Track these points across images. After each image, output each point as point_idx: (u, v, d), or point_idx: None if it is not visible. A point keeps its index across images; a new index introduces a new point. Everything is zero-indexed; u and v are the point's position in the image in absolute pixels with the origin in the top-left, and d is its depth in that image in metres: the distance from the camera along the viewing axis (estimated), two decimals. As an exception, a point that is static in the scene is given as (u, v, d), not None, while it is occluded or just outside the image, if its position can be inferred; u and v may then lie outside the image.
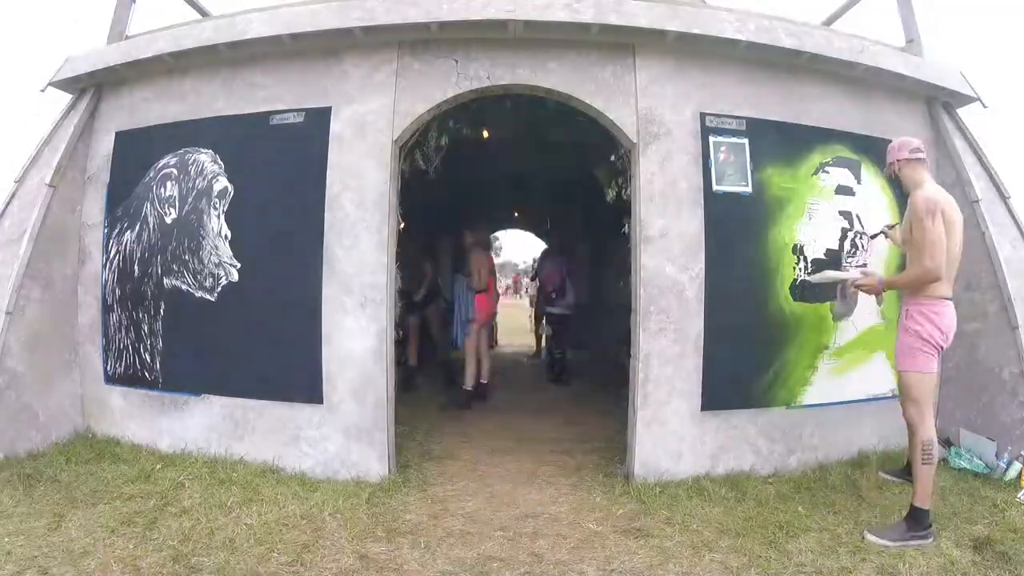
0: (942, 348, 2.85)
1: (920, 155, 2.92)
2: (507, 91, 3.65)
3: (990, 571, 2.44)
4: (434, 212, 8.35)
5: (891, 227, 3.40)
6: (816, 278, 3.39)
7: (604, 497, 3.25)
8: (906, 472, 3.18)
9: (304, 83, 3.63)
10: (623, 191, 4.11)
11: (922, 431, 2.75)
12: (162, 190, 3.82)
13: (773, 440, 3.59)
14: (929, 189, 2.84)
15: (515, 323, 13.14)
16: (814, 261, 3.62)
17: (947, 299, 2.83)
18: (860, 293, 3.72)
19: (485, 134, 5.60)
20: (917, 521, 2.68)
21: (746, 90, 3.65)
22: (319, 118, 3.55)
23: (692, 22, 3.41)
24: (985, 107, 4.12)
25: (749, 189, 3.57)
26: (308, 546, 2.60)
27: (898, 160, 2.96)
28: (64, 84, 4.09)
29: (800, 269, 3.61)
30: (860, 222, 3.79)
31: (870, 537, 2.70)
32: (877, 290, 3.09)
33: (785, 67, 3.69)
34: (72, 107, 4.09)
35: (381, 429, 3.45)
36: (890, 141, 3.86)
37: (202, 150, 3.75)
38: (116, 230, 3.93)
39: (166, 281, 3.78)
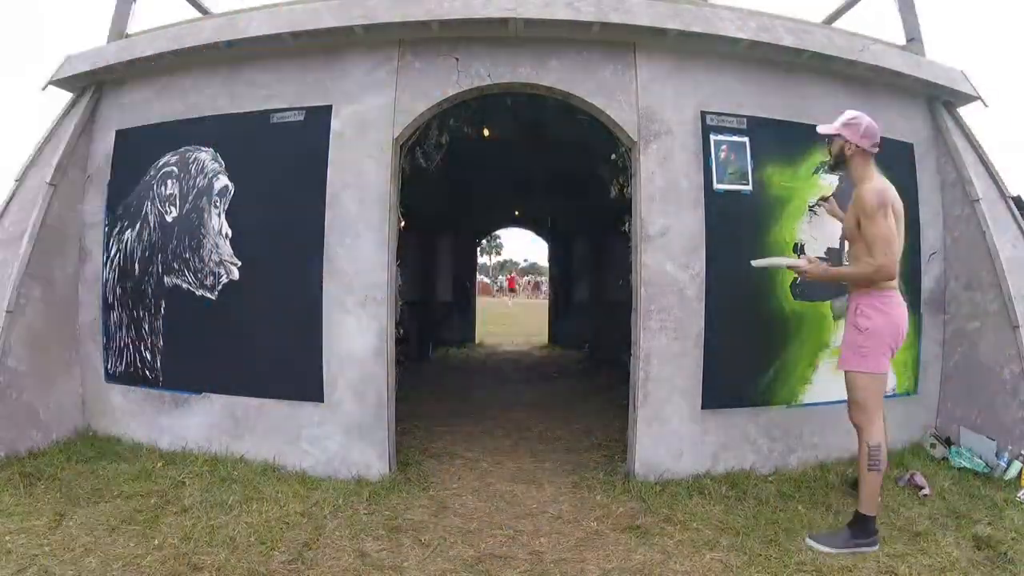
0: (896, 344, 2.74)
1: (877, 150, 2.77)
2: (508, 89, 3.65)
3: (990, 570, 2.43)
4: (435, 211, 8.36)
5: (826, 199, 3.34)
6: (758, 263, 3.19)
7: (604, 495, 3.25)
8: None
9: (304, 81, 3.63)
10: (624, 189, 4.11)
11: (869, 436, 2.65)
12: (163, 188, 3.82)
13: (773, 439, 3.59)
14: (878, 182, 2.70)
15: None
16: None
17: (896, 290, 2.73)
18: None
19: (486, 132, 5.60)
20: (862, 528, 2.61)
21: (747, 88, 3.64)
22: (320, 116, 3.55)
23: (693, 20, 3.41)
24: (987, 106, 4.12)
25: (750, 188, 3.56)
26: (309, 544, 2.61)
27: (856, 145, 2.74)
28: (65, 83, 4.09)
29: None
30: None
31: (811, 542, 2.63)
32: (819, 279, 2.96)
33: (786, 66, 3.69)
34: (72, 106, 4.09)
35: (382, 428, 3.45)
36: (892, 139, 3.89)
37: (203, 148, 3.75)
38: (117, 229, 3.93)
39: (167, 279, 3.78)
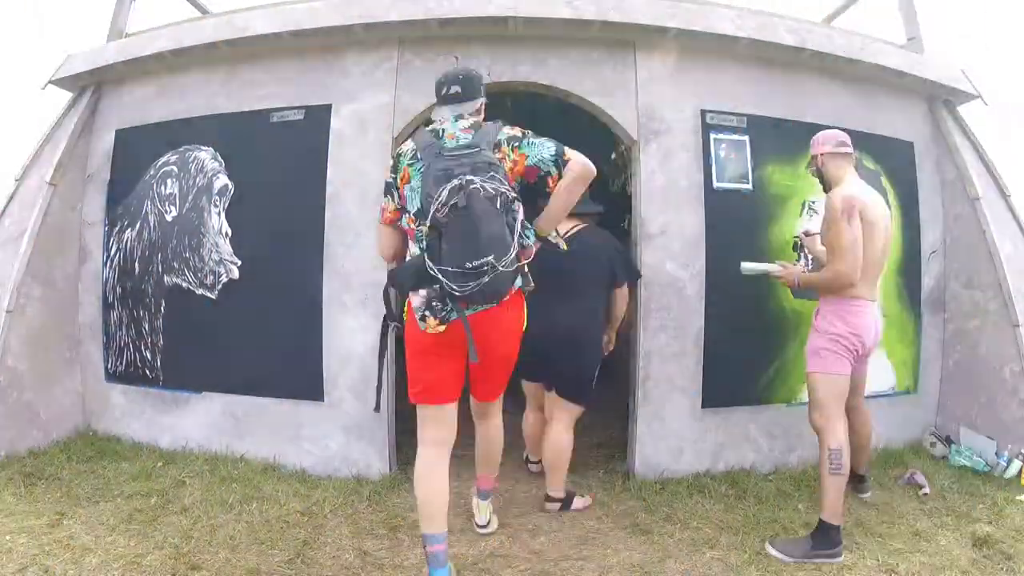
0: (857, 351, 2.67)
1: (845, 149, 2.73)
2: (508, 88, 3.64)
3: (990, 569, 2.44)
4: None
5: (808, 234, 3.24)
6: (745, 268, 3.09)
7: (604, 494, 3.25)
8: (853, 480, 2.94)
9: (304, 80, 3.63)
10: (624, 188, 4.11)
11: (829, 438, 2.57)
12: (162, 188, 3.82)
13: (774, 437, 3.59)
14: (848, 187, 2.64)
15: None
16: (815, 259, 3.62)
17: (864, 299, 2.66)
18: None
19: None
20: (825, 538, 2.51)
21: (747, 87, 3.64)
22: (320, 115, 3.55)
23: (693, 19, 3.40)
24: (987, 104, 4.11)
25: (750, 186, 3.56)
26: (309, 543, 2.61)
27: (821, 154, 2.77)
28: (64, 82, 4.08)
29: (800, 266, 3.60)
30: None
31: (770, 550, 2.55)
32: (792, 285, 2.93)
33: (786, 64, 3.68)
34: (72, 105, 4.08)
35: (382, 427, 3.45)
36: (892, 138, 3.90)
37: (202, 148, 3.75)
38: (116, 228, 3.93)
39: (167, 279, 3.78)
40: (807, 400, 3.56)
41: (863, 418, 3.01)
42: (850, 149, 2.75)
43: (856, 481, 3.03)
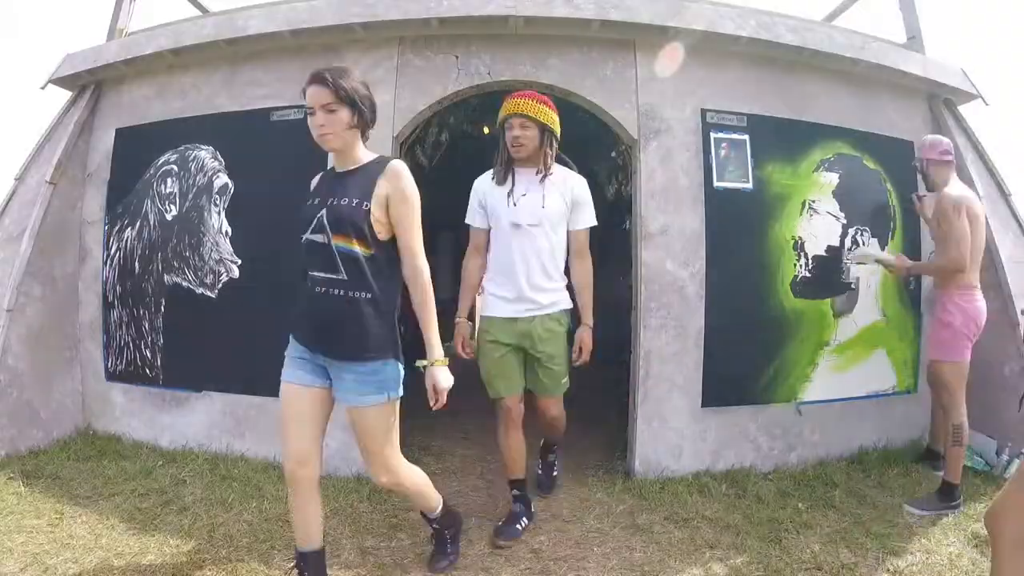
0: (975, 336, 3.09)
1: (948, 157, 3.18)
2: (508, 87, 3.63)
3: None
4: (435, 209, 8.35)
5: (920, 197, 3.61)
6: (855, 256, 3.59)
7: (604, 493, 3.25)
8: (931, 457, 3.58)
9: (304, 79, 3.61)
10: (623, 188, 4.11)
11: (953, 416, 3.00)
12: (162, 187, 3.82)
13: (774, 437, 3.59)
14: (955, 188, 3.11)
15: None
16: (815, 258, 3.62)
17: (975, 287, 3.10)
18: (859, 291, 3.74)
19: (486, 130, 5.59)
20: (948, 494, 2.97)
21: (747, 86, 3.64)
22: (320, 115, 3.54)
23: (693, 18, 3.40)
24: (987, 104, 4.11)
25: (750, 186, 3.56)
26: (309, 542, 2.60)
27: (927, 159, 3.23)
28: (64, 81, 4.08)
29: (800, 266, 3.61)
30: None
31: (908, 508, 2.98)
32: (903, 274, 3.45)
33: (786, 63, 3.68)
34: (72, 104, 4.08)
35: (382, 426, 3.44)
36: (892, 137, 3.90)
37: (202, 147, 3.75)
38: (117, 227, 3.93)
39: (167, 278, 3.78)
40: (803, 400, 3.62)
41: None
42: (952, 157, 3.22)
43: (934, 458, 3.54)
